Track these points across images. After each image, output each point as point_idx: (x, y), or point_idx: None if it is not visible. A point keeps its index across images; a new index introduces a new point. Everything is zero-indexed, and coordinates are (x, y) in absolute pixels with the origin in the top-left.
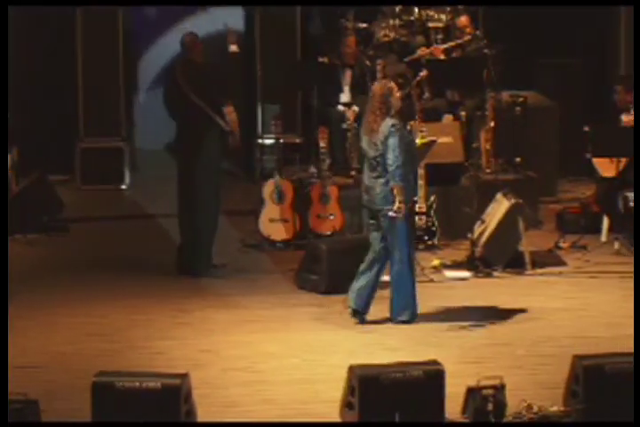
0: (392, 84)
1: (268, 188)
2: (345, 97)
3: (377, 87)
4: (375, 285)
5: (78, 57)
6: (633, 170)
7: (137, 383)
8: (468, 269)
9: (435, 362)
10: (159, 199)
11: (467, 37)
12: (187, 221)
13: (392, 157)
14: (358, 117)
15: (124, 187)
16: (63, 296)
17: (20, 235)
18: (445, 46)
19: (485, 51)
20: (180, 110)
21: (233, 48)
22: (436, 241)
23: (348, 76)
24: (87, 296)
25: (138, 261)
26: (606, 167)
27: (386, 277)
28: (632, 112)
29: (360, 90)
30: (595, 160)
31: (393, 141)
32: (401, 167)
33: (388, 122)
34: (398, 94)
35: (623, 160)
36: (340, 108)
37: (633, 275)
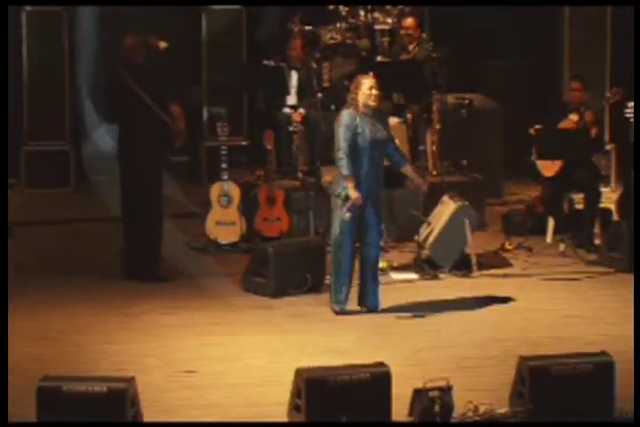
0: (364, 80)
1: (215, 191)
2: (292, 100)
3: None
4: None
5: (23, 59)
6: (579, 171)
7: (83, 387)
8: (415, 272)
9: (381, 364)
10: (105, 203)
11: (412, 40)
12: (131, 224)
13: (337, 146)
14: (305, 120)
15: (69, 190)
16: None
17: None
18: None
19: (432, 53)
20: (126, 113)
21: (162, 44)
22: (382, 243)
23: (294, 79)
24: (32, 300)
25: (83, 265)
26: (548, 167)
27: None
28: (582, 111)
29: (307, 92)
30: (538, 161)
31: (339, 131)
32: (344, 158)
33: (342, 112)
34: (366, 90)
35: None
36: (287, 110)
37: (578, 276)
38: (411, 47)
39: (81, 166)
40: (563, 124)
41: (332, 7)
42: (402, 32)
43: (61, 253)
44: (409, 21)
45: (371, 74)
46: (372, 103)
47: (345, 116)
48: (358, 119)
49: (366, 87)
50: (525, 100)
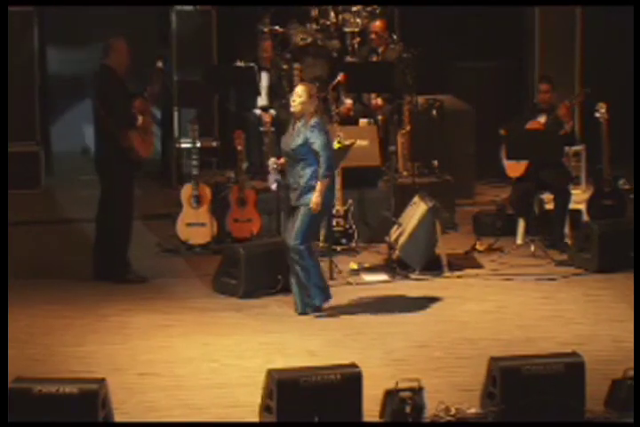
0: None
1: (186, 192)
2: (262, 101)
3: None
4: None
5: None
6: (548, 171)
7: (54, 389)
8: (386, 272)
9: (352, 365)
10: (75, 203)
11: (384, 51)
12: (101, 224)
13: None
14: (275, 121)
15: (39, 191)
16: None
17: None
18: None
19: (402, 54)
20: (95, 116)
21: (159, 64)
22: (353, 244)
23: (264, 80)
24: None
25: (54, 266)
26: (513, 168)
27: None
28: (550, 112)
29: (277, 93)
30: (505, 162)
31: (326, 138)
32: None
33: (319, 121)
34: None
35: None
36: (257, 111)
37: (549, 276)
38: (380, 49)
39: (50, 167)
40: (530, 125)
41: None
42: (372, 35)
43: (31, 253)
44: (378, 24)
45: (305, 83)
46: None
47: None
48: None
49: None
50: (496, 101)
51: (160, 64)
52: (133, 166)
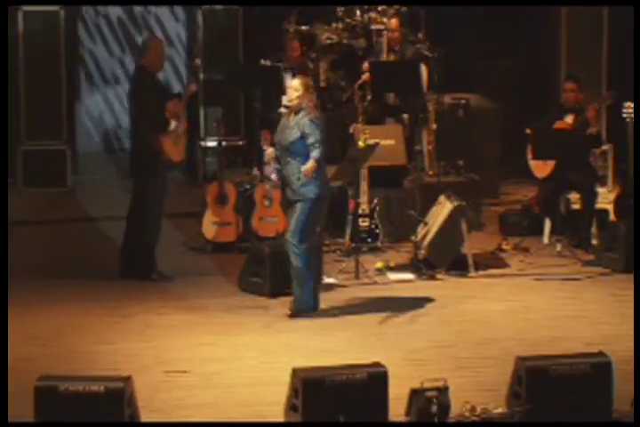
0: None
1: (211, 191)
2: (286, 100)
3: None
4: None
5: (20, 58)
6: (575, 171)
7: (80, 387)
8: (412, 272)
9: (378, 364)
10: (101, 202)
11: (400, 49)
12: (131, 223)
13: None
14: None
15: (65, 189)
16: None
17: None
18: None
19: (427, 53)
20: (131, 115)
21: (193, 88)
22: (379, 243)
23: (289, 78)
24: (29, 299)
25: (79, 265)
26: (540, 168)
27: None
28: (577, 111)
29: None
30: (531, 162)
31: (319, 132)
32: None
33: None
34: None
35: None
36: (283, 110)
37: (575, 276)
38: (397, 48)
39: (77, 165)
40: (557, 125)
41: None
42: (388, 34)
43: (57, 251)
44: (393, 22)
45: (300, 76)
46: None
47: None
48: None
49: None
50: (522, 101)
51: (198, 62)
52: (165, 168)
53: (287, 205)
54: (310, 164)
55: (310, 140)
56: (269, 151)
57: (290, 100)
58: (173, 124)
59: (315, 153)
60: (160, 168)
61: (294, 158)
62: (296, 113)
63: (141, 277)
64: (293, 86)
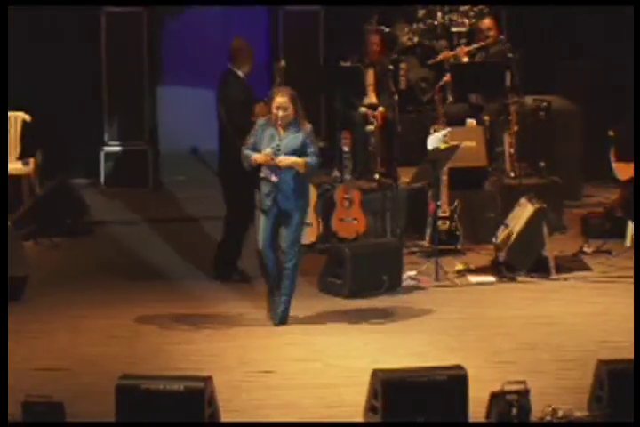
0: (276, 97)
1: None
2: (369, 99)
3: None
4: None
5: (102, 60)
6: None
7: (161, 386)
8: (492, 274)
9: (458, 366)
10: (182, 202)
11: (490, 40)
12: (225, 224)
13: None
14: (385, 119)
15: (147, 190)
16: (87, 299)
17: (44, 238)
18: (469, 48)
19: (509, 54)
20: (218, 117)
21: (282, 64)
22: (459, 246)
23: (370, 76)
24: (111, 299)
25: (160, 264)
26: (624, 170)
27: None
28: None
29: (382, 91)
30: (614, 164)
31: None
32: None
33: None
34: (273, 109)
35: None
36: (363, 109)
37: None
38: (492, 50)
39: (158, 166)
40: None
41: None
42: (483, 33)
43: (138, 251)
44: (487, 21)
45: (284, 90)
46: (277, 122)
47: (258, 121)
48: (260, 129)
49: (274, 106)
50: (605, 102)
51: (283, 63)
52: (253, 168)
53: (272, 213)
54: (302, 160)
55: (312, 149)
56: (269, 151)
57: (281, 119)
58: None
59: (313, 160)
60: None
61: (291, 169)
62: (285, 127)
63: (224, 278)
64: (282, 106)
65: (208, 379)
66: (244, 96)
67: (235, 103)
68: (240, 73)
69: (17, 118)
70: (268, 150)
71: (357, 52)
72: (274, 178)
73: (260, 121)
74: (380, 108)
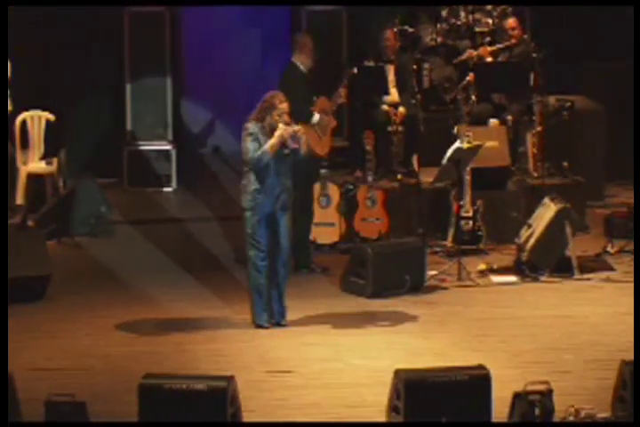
0: (279, 104)
1: (315, 191)
2: (391, 98)
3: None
4: None
5: (126, 60)
6: None
7: (184, 385)
8: (515, 274)
9: (481, 367)
10: (206, 202)
11: (514, 40)
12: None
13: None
14: (406, 118)
15: (170, 190)
16: (109, 298)
17: (67, 237)
18: (493, 48)
19: (532, 54)
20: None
21: (354, 70)
22: (482, 245)
23: (391, 74)
24: (132, 298)
25: (182, 264)
26: None
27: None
28: None
29: (402, 87)
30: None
31: (246, 140)
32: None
33: (248, 125)
34: (276, 116)
35: None
36: (385, 107)
37: None
38: (516, 50)
39: (182, 166)
40: None
41: None
42: (508, 32)
43: (162, 251)
44: (510, 21)
45: (281, 95)
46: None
47: (251, 128)
48: (260, 135)
49: (277, 113)
50: (628, 102)
51: (355, 70)
52: (311, 161)
53: (264, 216)
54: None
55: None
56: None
57: (287, 124)
58: (317, 116)
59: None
60: (308, 161)
61: (288, 164)
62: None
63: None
64: (288, 112)
65: (230, 378)
66: (304, 89)
67: (294, 95)
68: (302, 67)
69: (41, 118)
70: (281, 127)
71: (375, 51)
72: (294, 145)
73: (254, 129)
74: (401, 109)
